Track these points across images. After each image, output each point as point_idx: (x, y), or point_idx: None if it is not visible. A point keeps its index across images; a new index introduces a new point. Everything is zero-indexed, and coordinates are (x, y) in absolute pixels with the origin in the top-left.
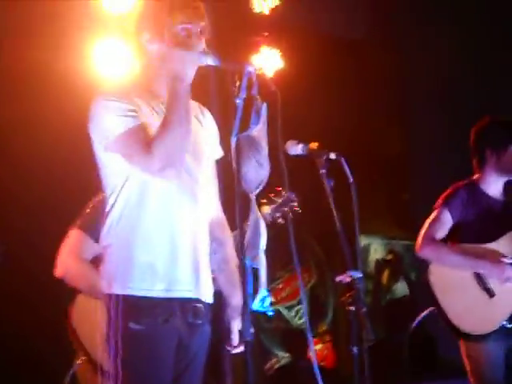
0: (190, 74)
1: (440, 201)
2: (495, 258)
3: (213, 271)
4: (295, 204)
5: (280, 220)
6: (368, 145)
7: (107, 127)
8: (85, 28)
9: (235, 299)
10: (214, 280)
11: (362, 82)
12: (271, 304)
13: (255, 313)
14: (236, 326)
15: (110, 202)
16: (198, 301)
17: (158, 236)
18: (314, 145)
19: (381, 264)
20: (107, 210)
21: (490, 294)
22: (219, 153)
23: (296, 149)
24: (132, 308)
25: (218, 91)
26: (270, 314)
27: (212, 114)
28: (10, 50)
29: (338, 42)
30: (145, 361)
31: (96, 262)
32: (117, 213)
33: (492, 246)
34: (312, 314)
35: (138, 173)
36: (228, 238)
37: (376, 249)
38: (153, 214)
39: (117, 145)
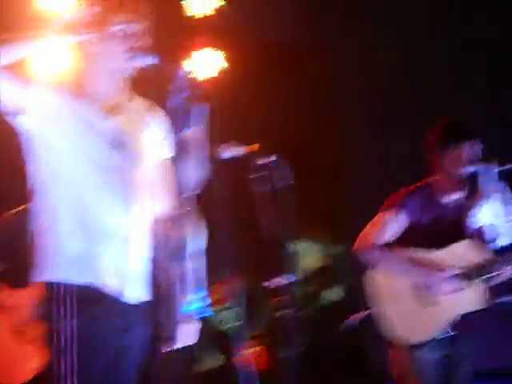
0: (126, 72)
1: (388, 202)
2: (435, 268)
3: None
4: None
5: None
6: (304, 148)
7: None
8: (22, 25)
9: None
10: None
11: (306, 85)
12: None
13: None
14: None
15: (31, 189)
16: (126, 303)
17: (78, 230)
18: (252, 147)
19: (315, 269)
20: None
21: (427, 304)
22: (168, 153)
23: (229, 152)
24: (55, 301)
25: (155, 93)
26: (208, 315)
27: None
28: None
29: (272, 44)
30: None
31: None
32: (38, 201)
33: (436, 254)
34: (243, 318)
35: (53, 161)
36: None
37: (310, 253)
38: (72, 208)
39: None
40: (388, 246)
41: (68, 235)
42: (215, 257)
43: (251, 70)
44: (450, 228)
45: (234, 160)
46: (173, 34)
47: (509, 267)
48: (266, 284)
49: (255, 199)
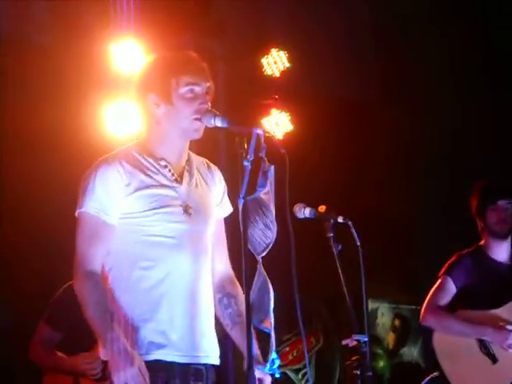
0: (196, 133)
1: (443, 269)
2: (498, 324)
3: (226, 326)
4: None
5: None
6: (376, 208)
7: (79, 197)
8: (96, 88)
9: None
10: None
11: (372, 146)
12: (279, 367)
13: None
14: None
15: (110, 268)
16: (199, 364)
17: (156, 304)
18: (321, 208)
19: (388, 328)
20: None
21: (493, 359)
22: (228, 209)
23: (304, 212)
24: None
25: (226, 153)
26: (278, 376)
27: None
28: (22, 109)
29: (348, 105)
30: None
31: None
32: (113, 284)
33: (496, 312)
34: (318, 378)
35: (126, 243)
36: (239, 292)
37: (383, 313)
38: (152, 285)
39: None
40: (449, 309)
41: (149, 311)
42: (290, 316)
43: (318, 131)
44: (504, 286)
45: (305, 221)
46: (247, 93)
47: None
48: (343, 343)
49: (332, 258)
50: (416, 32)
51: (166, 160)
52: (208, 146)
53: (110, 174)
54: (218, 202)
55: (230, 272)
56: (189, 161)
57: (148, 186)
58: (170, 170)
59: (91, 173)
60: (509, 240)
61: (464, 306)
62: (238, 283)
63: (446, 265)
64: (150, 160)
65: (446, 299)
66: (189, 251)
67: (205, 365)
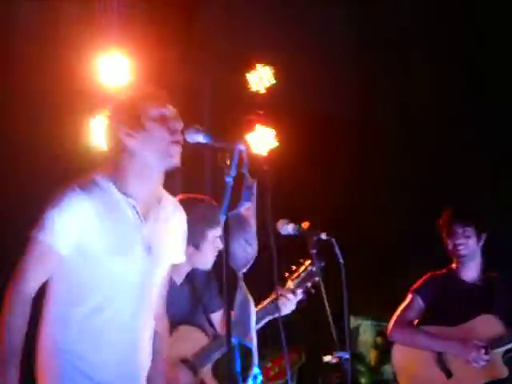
0: (173, 159)
1: (414, 286)
2: (463, 338)
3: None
4: (317, 278)
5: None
6: (360, 226)
7: (39, 220)
8: (81, 99)
9: None
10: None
11: (358, 163)
12: (261, 382)
13: None
14: None
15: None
16: None
17: (99, 343)
18: (305, 224)
19: (370, 345)
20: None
21: (448, 374)
22: (180, 258)
23: (287, 228)
24: None
25: (211, 168)
26: None
27: (205, 191)
28: (5, 117)
29: (333, 121)
30: None
31: None
32: (49, 313)
33: (462, 328)
34: None
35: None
36: (164, 331)
37: (365, 330)
38: (99, 324)
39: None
40: (415, 324)
41: (90, 349)
42: (272, 331)
43: (304, 147)
44: (474, 306)
45: (288, 237)
46: (232, 108)
47: None
48: (324, 360)
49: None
50: (398, 46)
51: (134, 197)
52: (193, 161)
53: (75, 205)
54: (174, 246)
55: (161, 310)
56: (159, 198)
57: (112, 225)
58: (137, 212)
59: (57, 199)
60: (476, 260)
61: (431, 323)
62: (165, 321)
63: (417, 283)
64: (119, 195)
65: (413, 315)
66: (139, 292)
67: None
